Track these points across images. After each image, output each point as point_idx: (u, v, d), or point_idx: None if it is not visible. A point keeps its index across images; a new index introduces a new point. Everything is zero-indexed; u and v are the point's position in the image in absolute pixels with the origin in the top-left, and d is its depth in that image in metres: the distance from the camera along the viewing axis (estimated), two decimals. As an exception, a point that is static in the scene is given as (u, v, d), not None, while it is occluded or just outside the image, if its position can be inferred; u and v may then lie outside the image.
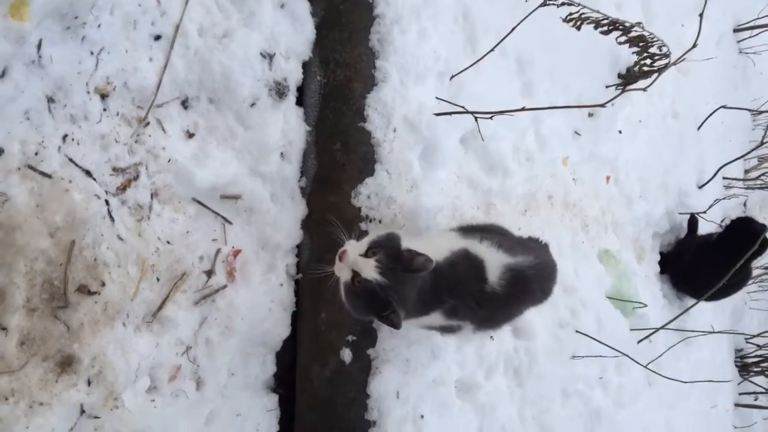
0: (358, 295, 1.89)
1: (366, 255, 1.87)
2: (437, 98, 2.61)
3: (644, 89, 2.84)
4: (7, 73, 1.70)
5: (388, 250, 1.87)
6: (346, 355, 2.31)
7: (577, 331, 3.04)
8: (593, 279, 3.27)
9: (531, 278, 2.16)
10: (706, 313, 4.02)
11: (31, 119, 1.78)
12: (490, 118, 2.54)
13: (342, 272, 1.91)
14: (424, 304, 1.99)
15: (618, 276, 3.43)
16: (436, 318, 2.10)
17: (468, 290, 2.08)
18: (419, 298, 1.94)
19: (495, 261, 2.10)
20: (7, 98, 1.69)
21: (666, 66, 3.11)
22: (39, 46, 1.77)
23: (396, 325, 1.85)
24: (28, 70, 1.75)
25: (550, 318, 3.02)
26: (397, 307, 1.84)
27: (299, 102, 2.46)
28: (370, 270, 1.82)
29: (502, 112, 2.50)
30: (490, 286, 2.07)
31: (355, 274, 1.86)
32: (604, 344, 3.05)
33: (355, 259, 1.86)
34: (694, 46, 2.80)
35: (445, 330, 2.27)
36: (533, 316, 2.93)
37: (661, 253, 3.99)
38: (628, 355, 3.10)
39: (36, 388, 1.73)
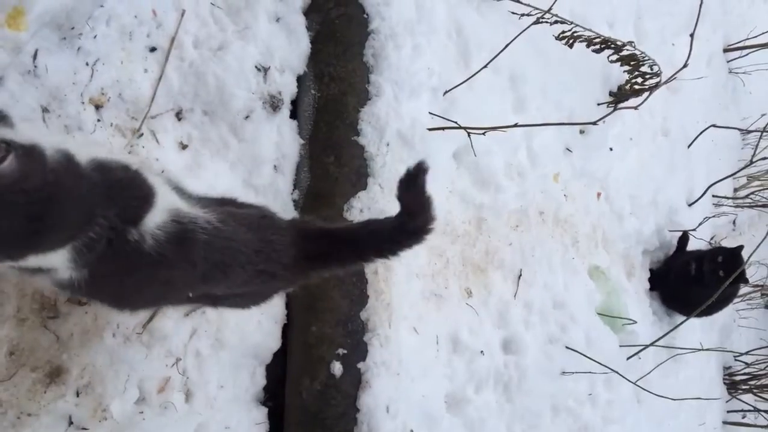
0: None
1: None
2: (431, 113, 2.63)
3: (636, 107, 2.88)
4: (3, 82, 1.70)
5: None
6: (336, 368, 2.31)
7: (566, 347, 3.05)
8: (583, 295, 3.29)
9: (199, 244, 1.48)
10: (695, 330, 4.04)
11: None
12: (483, 133, 2.57)
13: None
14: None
15: (608, 292, 3.45)
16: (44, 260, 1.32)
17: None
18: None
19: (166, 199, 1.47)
20: (2, 107, 1.69)
21: (657, 85, 3.15)
22: (35, 56, 1.77)
23: None
24: (23, 80, 1.75)
25: (539, 333, 3.03)
26: None
27: (293, 115, 2.47)
28: None
29: (494, 128, 2.53)
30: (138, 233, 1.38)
31: None
32: (594, 360, 3.06)
33: None
34: (685, 65, 2.84)
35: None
36: (523, 331, 2.95)
37: (650, 270, 4.02)
38: (617, 372, 3.11)
39: (24, 399, 1.72)
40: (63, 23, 1.80)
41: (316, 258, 1.74)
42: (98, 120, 1.98)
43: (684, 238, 4.07)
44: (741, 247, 3.71)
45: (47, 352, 1.78)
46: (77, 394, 1.82)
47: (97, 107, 1.98)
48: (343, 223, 1.92)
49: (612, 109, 2.79)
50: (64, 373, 1.79)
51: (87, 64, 1.94)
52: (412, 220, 1.70)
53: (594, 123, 2.53)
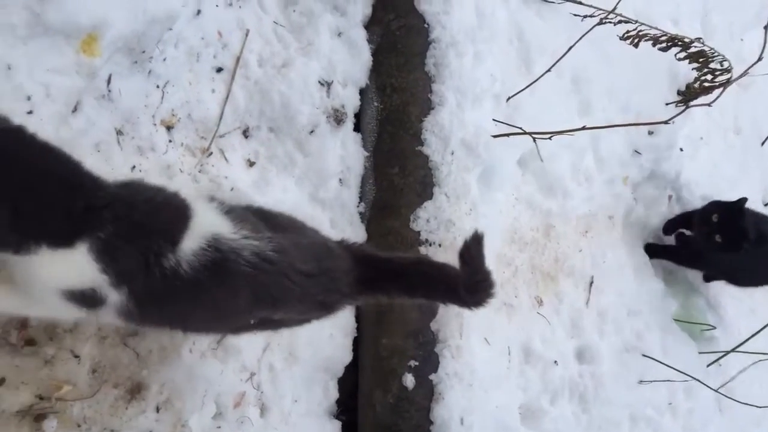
0: None
1: None
2: (494, 120, 2.59)
3: (709, 104, 2.77)
4: (80, 107, 1.75)
5: None
6: (409, 380, 2.29)
7: (643, 355, 2.95)
8: (658, 301, 3.18)
9: (239, 276, 1.44)
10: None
11: (102, 151, 1.83)
12: (549, 138, 2.51)
13: None
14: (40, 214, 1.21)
15: (684, 297, 3.33)
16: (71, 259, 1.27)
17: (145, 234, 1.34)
18: (11, 197, 1.17)
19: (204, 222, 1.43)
20: (79, 131, 1.74)
21: (729, 81, 3.03)
22: (109, 81, 1.82)
23: None
24: (98, 104, 1.81)
25: (614, 341, 2.94)
26: None
27: (356, 128, 2.48)
28: None
29: (561, 132, 2.48)
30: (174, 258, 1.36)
31: None
32: (673, 368, 2.95)
33: None
34: (760, 59, 2.72)
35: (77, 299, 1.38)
36: (597, 339, 2.87)
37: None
38: (698, 379, 2.99)
39: (107, 415, 1.76)
40: (134, 47, 1.85)
41: (365, 283, 1.73)
42: (170, 141, 2.02)
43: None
44: (744, 200, 2.99)
45: (128, 368, 1.81)
46: (157, 410, 1.85)
47: (168, 128, 2.03)
48: (396, 254, 1.87)
49: (685, 107, 2.69)
50: (145, 389, 1.83)
51: (157, 86, 1.99)
52: (470, 294, 1.71)
53: (666, 122, 2.44)
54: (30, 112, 1.61)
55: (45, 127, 1.64)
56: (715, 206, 3.09)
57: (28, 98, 1.60)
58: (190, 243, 1.37)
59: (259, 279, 1.46)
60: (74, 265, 1.25)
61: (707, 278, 3.54)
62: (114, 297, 1.35)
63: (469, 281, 1.68)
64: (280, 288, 1.52)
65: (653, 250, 3.34)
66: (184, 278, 1.36)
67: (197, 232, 1.39)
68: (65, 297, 1.32)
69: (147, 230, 1.33)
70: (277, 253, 1.49)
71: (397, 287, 1.78)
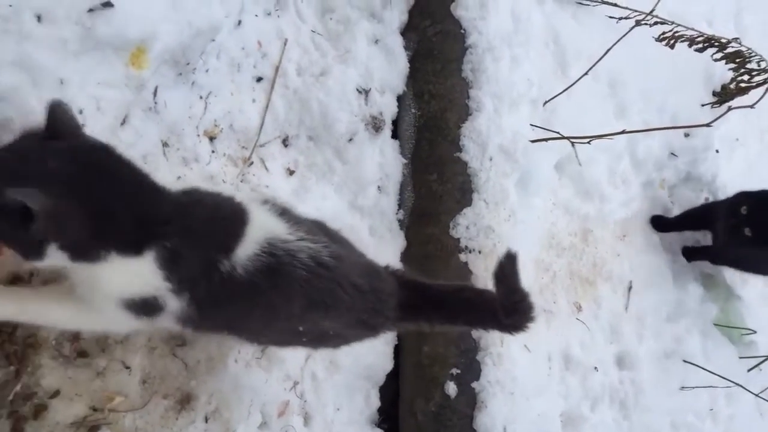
0: None
1: None
2: (531, 125, 2.58)
3: (752, 106, 2.72)
4: (128, 119, 1.76)
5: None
6: (451, 388, 2.27)
7: (684, 361, 2.91)
8: (697, 305, 3.14)
9: (295, 280, 1.44)
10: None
11: (148, 163, 1.84)
12: (588, 142, 2.49)
13: None
14: (108, 224, 1.23)
15: (723, 301, 3.27)
16: (137, 268, 1.28)
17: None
18: (97, 207, 1.20)
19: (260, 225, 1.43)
20: (127, 144, 1.75)
21: (767, 81, 2.98)
22: (155, 93, 1.84)
23: (24, 247, 1.15)
24: (145, 116, 1.82)
25: (654, 347, 2.91)
26: (23, 198, 1.07)
27: (394, 135, 2.48)
28: None
29: (600, 136, 2.45)
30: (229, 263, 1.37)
31: None
32: (714, 373, 2.91)
33: None
34: (798, 58, 2.68)
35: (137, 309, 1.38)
36: (636, 345, 2.84)
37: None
38: (740, 385, 2.94)
39: (158, 426, 1.76)
40: (180, 59, 1.86)
41: (408, 309, 1.71)
42: (212, 151, 2.03)
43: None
44: None
45: (176, 379, 1.82)
46: (206, 420, 1.86)
47: (211, 139, 2.04)
48: (438, 281, 1.87)
49: (727, 109, 2.64)
50: (194, 399, 1.83)
51: (201, 97, 2.00)
52: (508, 317, 1.67)
53: (708, 125, 2.40)
54: (82, 126, 1.62)
55: (96, 140, 1.65)
56: (744, 197, 2.81)
57: (80, 112, 1.61)
58: (248, 247, 1.38)
59: (313, 283, 1.46)
60: (140, 274, 1.28)
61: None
62: (174, 304, 1.36)
63: (506, 302, 1.65)
64: (333, 296, 1.52)
65: (690, 253, 3.28)
66: (241, 281, 1.37)
67: (254, 236, 1.40)
68: (126, 306, 1.34)
69: (209, 237, 1.36)
70: (334, 260, 1.50)
71: (439, 314, 1.76)
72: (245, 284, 1.38)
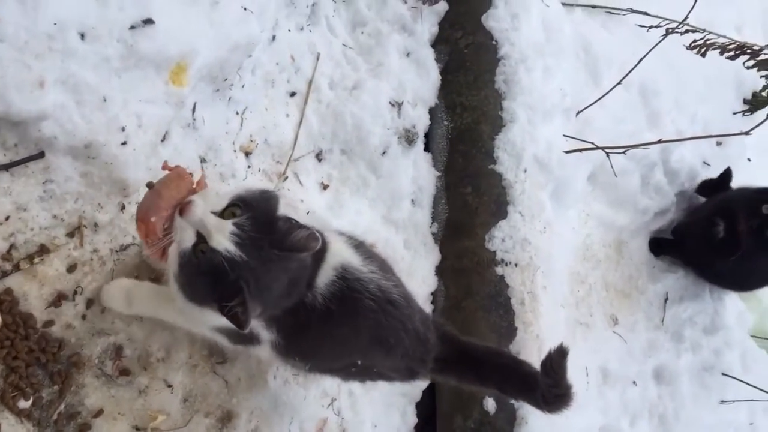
0: (197, 271, 1.26)
1: (222, 215, 1.28)
2: (565, 135, 2.55)
3: (787, 114, 2.70)
4: (168, 136, 1.76)
5: (256, 213, 1.28)
6: (490, 405, 2.23)
7: (723, 374, 2.86)
8: (734, 317, 3.08)
9: (363, 310, 1.48)
10: None
11: (187, 179, 1.83)
12: (623, 152, 2.46)
13: (183, 234, 1.28)
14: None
15: (761, 312, 3.22)
16: None
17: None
18: (288, 294, 1.36)
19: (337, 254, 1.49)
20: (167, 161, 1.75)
21: (801, 88, 2.95)
22: (194, 109, 1.83)
23: (241, 324, 1.22)
24: (184, 133, 1.82)
25: (692, 360, 2.86)
26: (249, 298, 1.22)
27: (427, 148, 2.46)
28: (222, 236, 1.23)
29: (636, 146, 2.42)
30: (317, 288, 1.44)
31: (201, 240, 1.26)
32: (754, 387, 2.84)
33: (204, 217, 1.25)
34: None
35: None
36: (674, 358, 2.79)
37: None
38: (781, 398, 2.88)
39: (200, 445, 1.75)
40: (217, 75, 1.86)
41: (441, 362, 1.71)
42: (248, 166, 2.03)
43: (727, 173, 2.92)
44: None
45: (218, 397, 1.81)
46: (247, 438, 1.84)
47: (247, 154, 2.04)
48: (475, 340, 1.88)
49: (766, 117, 2.60)
50: (235, 417, 1.81)
51: (237, 113, 2.00)
52: (545, 403, 1.68)
53: (746, 133, 2.37)
54: (124, 143, 1.62)
55: (138, 157, 1.65)
56: (766, 194, 2.53)
57: (122, 129, 1.61)
58: (325, 275, 1.42)
59: (380, 318, 1.49)
60: None
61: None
62: (266, 335, 1.46)
63: (549, 393, 1.66)
64: (397, 336, 1.54)
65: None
66: (319, 310, 1.42)
67: (331, 264, 1.44)
68: (220, 332, 1.48)
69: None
70: (403, 299, 1.53)
71: (472, 373, 1.77)
72: (323, 312, 1.42)
